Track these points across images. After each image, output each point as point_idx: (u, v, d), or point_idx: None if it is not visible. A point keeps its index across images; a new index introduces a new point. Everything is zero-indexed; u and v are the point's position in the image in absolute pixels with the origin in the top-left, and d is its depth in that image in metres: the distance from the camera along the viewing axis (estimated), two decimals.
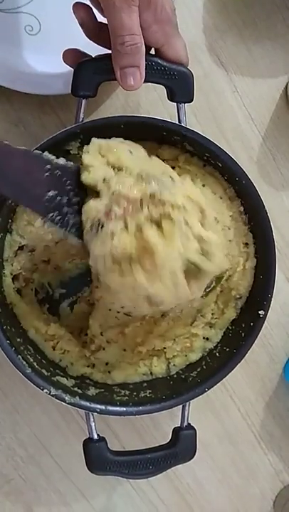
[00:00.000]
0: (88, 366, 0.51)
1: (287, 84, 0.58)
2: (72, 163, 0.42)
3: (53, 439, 0.57)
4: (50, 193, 0.41)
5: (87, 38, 0.52)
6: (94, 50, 0.48)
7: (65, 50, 0.47)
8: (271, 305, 0.50)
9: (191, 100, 0.47)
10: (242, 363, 0.50)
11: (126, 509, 0.59)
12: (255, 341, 0.50)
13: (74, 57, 0.46)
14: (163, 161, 0.48)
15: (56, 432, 0.57)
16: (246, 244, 0.51)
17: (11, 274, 0.49)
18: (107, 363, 0.52)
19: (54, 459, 0.57)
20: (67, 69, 0.51)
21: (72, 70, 0.51)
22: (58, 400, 0.46)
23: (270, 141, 0.58)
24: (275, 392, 0.61)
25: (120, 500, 0.59)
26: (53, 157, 0.41)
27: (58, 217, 0.41)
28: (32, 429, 0.57)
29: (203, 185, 0.50)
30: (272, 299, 0.50)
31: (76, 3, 0.45)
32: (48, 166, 0.41)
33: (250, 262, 0.51)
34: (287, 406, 0.61)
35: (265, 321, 0.50)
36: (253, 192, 0.48)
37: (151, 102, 0.55)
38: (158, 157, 0.48)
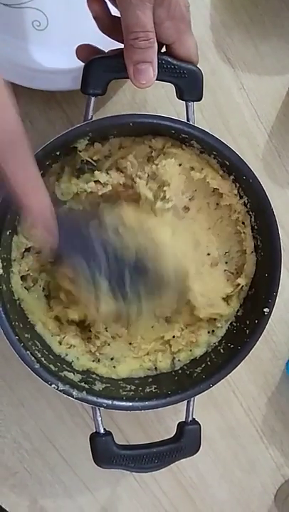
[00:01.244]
0: (93, 361, 0.52)
1: None
2: None
3: (57, 432, 0.58)
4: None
5: (95, 33, 0.52)
6: (104, 45, 0.48)
7: (78, 46, 0.47)
8: (275, 302, 0.51)
9: (200, 99, 0.47)
10: (245, 358, 0.50)
11: (129, 501, 0.60)
12: (260, 338, 0.50)
13: (87, 52, 0.46)
14: (155, 150, 0.49)
15: (61, 425, 0.58)
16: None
17: (19, 273, 0.49)
18: (112, 358, 0.53)
19: (59, 452, 0.58)
20: (75, 65, 0.51)
21: (81, 65, 0.51)
22: (65, 395, 0.47)
23: (276, 139, 0.59)
24: (277, 387, 0.61)
25: (124, 492, 0.60)
26: None
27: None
28: (37, 422, 0.57)
29: (192, 168, 0.50)
30: (277, 295, 0.50)
31: None
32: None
33: (250, 244, 0.52)
34: None
35: (278, 294, 0.50)
36: (259, 190, 0.48)
37: (158, 99, 0.55)
38: (150, 147, 0.49)
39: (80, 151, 0.47)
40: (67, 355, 0.51)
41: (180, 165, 0.49)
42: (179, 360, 0.53)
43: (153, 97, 0.55)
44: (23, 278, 0.50)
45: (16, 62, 0.51)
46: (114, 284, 0.44)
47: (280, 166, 0.59)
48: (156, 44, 0.43)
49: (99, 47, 0.48)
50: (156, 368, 0.53)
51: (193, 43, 0.45)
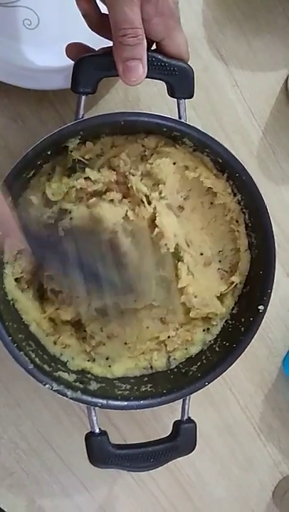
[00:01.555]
0: (88, 360, 0.52)
1: (287, 78, 0.58)
2: None
3: (54, 432, 0.58)
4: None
5: (86, 32, 0.52)
6: (94, 43, 0.47)
7: (68, 44, 0.46)
8: (271, 299, 0.50)
9: (192, 96, 0.46)
10: (241, 356, 0.50)
11: (127, 500, 0.60)
12: (255, 335, 0.50)
13: (77, 51, 0.46)
14: (148, 149, 0.49)
15: (58, 425, 0.57)
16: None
17: (13, 275, 0.49)
18: (107, 358, 0.52)
19: (56, 452, 0.58)
20: (66, 63, 0.51)
21: (72, 64, 0.51)
22: (60, 395, 0.47)
23: (270, 135, 0.58)
24: (274, 384, 0.61)
25: (121, 491, 0.60)
26: None
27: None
28: (34, 422, 0.57)
29: (186, 167, 0.50)
30: (272, 292, 0.50)
31: None
32: None
33: (244, 242, 0.52)
34: (286, 398, 0.62)
35: (265, 315, 0.50)
36: (253, 188, 0.48)
37: (151, 96, 0.55)
38: (143, 146, 0.49)
39: (71, 151, 0.47)
40: (62, 355, 0.51)
41: (174, 164, 0.49)
42: (174, 358, 0.53)
43: (146, 94, 0.55)
44: (17, 280, 0.49)
45: (7, 61, 0.51)
46: (89, 281, 0.45)
47: (275, 163, 0.59)
48: (145, 41, 0.42)
49: (90, 45, 0.48)
50: (151, 367, 0.53)
51: (183, 39, 0.45)
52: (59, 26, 0.52)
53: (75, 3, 0.51)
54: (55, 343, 0.51)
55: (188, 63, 0.46)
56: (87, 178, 0.49)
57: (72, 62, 0.49)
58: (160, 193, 0.49)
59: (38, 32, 0.52)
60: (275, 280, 0.51)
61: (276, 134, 0.58)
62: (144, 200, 0.48)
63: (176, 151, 0.49)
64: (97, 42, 0.47)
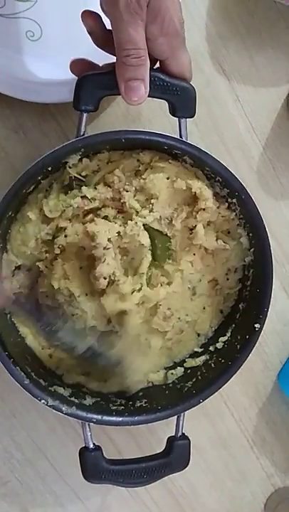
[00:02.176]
0: (83, 374, 0.52)
1: (288, 94, 0.58)
2: None
3: (49, 442, 0.58)
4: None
5: (90, 44, 0.52)
6: (98, 56, 0.47)
7: (73, 60, 0.46)
8: (267, 313, 0.50)
9: (193, 116, 0.47)
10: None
11: (120, 511, 0.60)
12: (262, 330, 0.50)
13: (81, 67, 0.46)
14: (142, 164, 0.49)
15: (52, 435, 0.58)
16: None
17: (11, 291, 0.49)
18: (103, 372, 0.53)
19: (50, 462, 0.58)
20: (69, 77, 0.51)
21: (75, 77, 0.50)
22: (55, 411, 0.47)
23: (271, 151, 0.58)
24: (268, 398, 0.62)
25: (114, 502, 0.60)
26: None
27: None
28: (29, 432, 0.57)
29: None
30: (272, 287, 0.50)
31: (85, 11, 0.44)
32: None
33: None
34: (280, 412, 0.62)
35: (268, 309, 0.50)
36: (252, 207, 0.48)
37: (153, 111, 0.55)
38: (138, 161, 0.49)
39: (70, 167, 0.47)
40: (57, 368, 0.51)
41: (168, 178, 0.49)
42: (172, 373, 0.53)
43: (147, 109, 0.55)
44: (14, 294, 0.49)
45: (9, 73, 0.51)
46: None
47: (274, 178, 0.59)
48: (148, 61, 0.42)
49: (93, 59, 0.48)
50: (147, 381, 0.53)
51: (187, 59, 0.45)
52: (62, 38, 0.52)
53: (78, 15, 0.51)
54: (50, 356, 0.51)
55: (191, 84, 0.46)
56: (84, 197, 0.48)
57: (75, 76, 0.50)
58: (151, 210, 0.49)
59: (40, 44, 0.52)
60: (272, 296, 0.51)
61: (276, 150, 0.58)
62: (134, 216, 0.48)
63: (170, 166, 0.49)
64: (101, 56, 0.47)
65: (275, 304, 0.60)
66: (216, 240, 0.51)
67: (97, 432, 0.54)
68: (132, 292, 0.48)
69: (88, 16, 0.44)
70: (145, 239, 0.48)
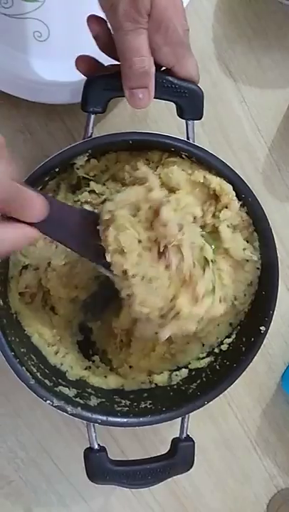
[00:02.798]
0: (86, 369, 0.52)
1: None
2: None
3: (53, 442, 0.58)
4: (100, 243, 0.43)
5: (96, 46, 0.52)
6: (105, 57, 0.47)
7: (78, 57, 0.46)
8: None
9: (201, 118, 0.46)
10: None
11: (123, 510, 0.60)
12: (267, 333, 0.50)
13: (87, 65, 0.46)
14: (152, 162, 0.48)
15: (57, 435, 0.58)
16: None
17: (17, 290, 0.49)
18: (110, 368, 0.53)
19: (54, 462, 0.58)
20: (76, 77, 0.51)
21: (82, 78, 0.50)
22: (60, 411, 0.47)
23: (276, 153, 0.58)
24: (272, 399, 0.62)
25: (118, 502, 0.60)
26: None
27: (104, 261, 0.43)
28: (33, 432, 0.57)
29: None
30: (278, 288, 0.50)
31: (90, 15, 0.44)
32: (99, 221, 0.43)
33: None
34: (284, 413, 0.62)
35: (274, 312, 0.50)
36: (259, 210, 0.48)
37: (159, 111, 0.55)
38: (147, 160, 0.49)
39: (77, 168, 0.47)
40: (62, 364, 0.51)
41: (183, 170, 0.48)
42: (176, 374, 0.53)
43: (154, 110, 0.55)
44: (21, 294, 0.50)
45: (16, 73, 0.51)
46: None
47: (280, 180, 0.59)
48: (152, 69, 0.42)
49: (100, 59, 0.48)
50: (150, 382, 0.53)
51: (193, 64, 0.45)
52: (69, 39, 0.52)
53: (85, 15, 0.51)
54: (56, 353, 0.51)
55: (199, 86, 0.46)
56: (91, 192, 0.49)
57: (82, 76, 0.50)
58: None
59: (48, 44, 0.52)
60: (277, 300, 0.51)
61: (282, 152, 0.59)
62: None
63: (181, 160, 0.48)
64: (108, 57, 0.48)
65: (279, 305, 0.60)
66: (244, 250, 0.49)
67: (102, 433, 0.54)
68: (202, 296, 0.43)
69: (93, 21, 0.44)
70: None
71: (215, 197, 0.48)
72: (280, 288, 0.59)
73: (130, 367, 0.53)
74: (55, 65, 0.52)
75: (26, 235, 0.36)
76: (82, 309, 0.53)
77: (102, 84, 0.44)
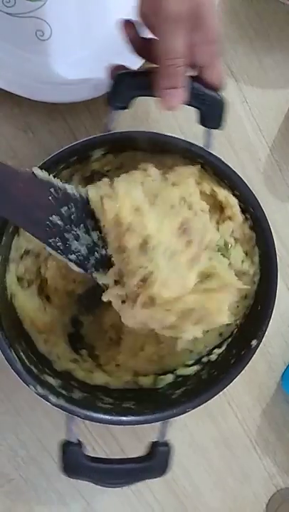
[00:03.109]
0: (73, 361, 0.52)
1: None
2: (79, 192, 0.42)
3: (53, 440, 0.58)
4: (52, 218, 0.40)
5: (99, 44, 0.52)
6: (106, 57, 0.48)
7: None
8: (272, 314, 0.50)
9: (219, 127, 0.47)
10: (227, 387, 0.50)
11: (123, 509, 0.60)
12: (258, 347, 0.49)
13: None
14: (164, 167, 0.48)
15: (57, 433, 0.58)
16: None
17: (16, 273, 0.49)
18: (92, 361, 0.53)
19: (54, 460, 0.58)
20: (77, 77, 0.51)
21: (82, 78, 0.51)
22: (44, 400, 0.47)
23: (278, 153, 0.59)
24: (272, 399, 0.62)
25: (117, 500, 0.60)
26: (59, 182, 0.41)
27: (59, 243, 0.41)
28: (33, 431, 0.58)
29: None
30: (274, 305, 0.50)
31: (123, 20, 0.45)
32: (52, 190, 0.39)
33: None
34: (284, 413, 0.62)
35: (268, 327, 0.50)
36: (265, 225, 0.47)
37: (160, 112, 0.55)
38: (160, 163, 0.48)
39: (93, 161, 0.47)
40: (50, 353, 0.51)
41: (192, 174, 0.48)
42: (162, 379, 0.53)
43: (155, 109, 0.55)
44: (18, 279, 0.49)
45: (18, 72, 0.51)
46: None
47: (281, 180, 0.59)
48: (186, 71, 0.42)
49: (102, 59, 0.48)
50: (136, 382, 0.53)
51: (221, 67, 0.45)
52: (71, 38, 0.52)
53: (88, 15, 0.52)
54: (45, 341, 0.51)
55: (223, 97, 0.46)
56: None
57: (82, 75, 0.51)
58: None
59: (50, 43, 0.52)
60: (276, 297, 0.51)
61: (283, 151, 0.59)
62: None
63: (193, 169, 0.49)
64: (112, 55, 0.48)
65: (279, 304, 0.60)
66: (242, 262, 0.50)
67: (84, 430, 0.55)
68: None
69: (127, 26, 0.45)
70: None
71: (220, 208, 0.49)
72: (279, 287, 0.59)
73: (117, 365, 0.53)
74: (56, 64, 0.52)
75: None
76: (77, 303, 0.53)
77: (131, 81, 0.44)
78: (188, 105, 0.46)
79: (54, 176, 0.43)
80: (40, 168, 0.41)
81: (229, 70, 0.57)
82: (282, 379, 0.62)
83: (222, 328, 0.53)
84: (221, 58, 0.45)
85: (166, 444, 0.49)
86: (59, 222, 0.40)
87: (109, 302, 0.49)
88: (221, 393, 0.56)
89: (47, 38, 0.52)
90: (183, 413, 0.49)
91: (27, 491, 0.58)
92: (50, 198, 0.39)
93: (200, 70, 0.45)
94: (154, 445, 0.49)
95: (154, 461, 0.48)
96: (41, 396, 0.47)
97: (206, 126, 0.47)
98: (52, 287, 0.51)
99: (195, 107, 0.46)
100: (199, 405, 0.49)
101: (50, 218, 0.39)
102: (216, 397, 0.51)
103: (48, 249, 0.41)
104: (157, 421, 0.49)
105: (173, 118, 0.55)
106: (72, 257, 0.42)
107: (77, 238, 0.41)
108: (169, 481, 0.61)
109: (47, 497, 0.59)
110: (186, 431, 0.60)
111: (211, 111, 0.46)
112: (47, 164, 0.44)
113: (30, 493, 0.58)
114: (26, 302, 0.50)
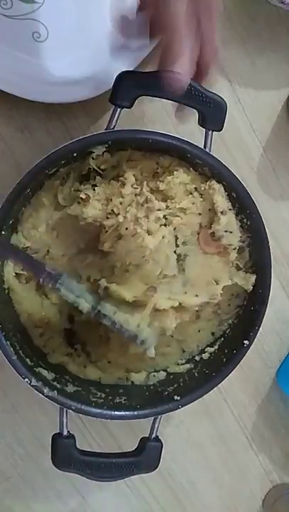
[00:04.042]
0: (67, 355, 0.52)
1: (288, 96, 0.59)
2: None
3: (50, 438, 0.58)
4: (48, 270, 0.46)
5: (95, 47, 0.53)
6: (103, 59, 0.49)
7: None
8: (266, 311, 0.51)
9: (220, 130, 0.48)
10: (236, 367, 0.51)
11: (120, 506, 0.61)
12: (250, 347, 0.51)
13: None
14: (161, 167, 0.50)
15: (54, 431, 0.58)
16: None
17: (14, 269, 0.49)
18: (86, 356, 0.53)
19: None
20: (74, 78, 0.52)
21: (79, 79, 0.51)
22: (36, 391, 0.47)
23: (271, 152, 0.60)
24: (267, 395, 0.63)
25: (115, 497, 0.61)
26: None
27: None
28: (31, 428, 0.58)
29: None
30: (268, 305, 0.51)
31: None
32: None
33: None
34: (279, 409, 0.63)
35: (260, 327, 0.51)
36: (260, 227, 0.49)
37: (156, 111, 0.56)
38: (157, 164, 0.50)
39: (93, 158, 0.48)
40: (45, 346, 0.51)
41: (185, 184, 0.50)
42: (154, 375, 0.53)
43: (150, 110, 0.56)
44: (17, 274, 0.50)
45: (15, 73, 0.51)
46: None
47: (274, 179, 0.60)
48: (190, 49, 0.42)
49: (98, 61, 0.49)
50: (127, 379, 0.53)
51: (217, 46, 0.44)
52: (68, 40, 0.52)
53: (85, 17, 0.52)
54: (41, 335, 0.52)
55: (224, 99, 0.48)
56: (94, 186, 0.49)
57: (80, 76, 0.51)
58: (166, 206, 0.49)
59: (46, 45, 0.52)
60: (271, 294, 0.51)
61: (276, 151, 0.60)
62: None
63: (188, 172, 0.50)
64: (107, 58, 0.49)
65: (274, 302, 0.61)
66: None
67: (77, 422, 0.55)
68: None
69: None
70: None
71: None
72: (274, 285, 0.60)
73: (109, 362, 0.53)
74: (53, 66, 0.52)
75: None
76: None
77: (134, 80, 0.45)
78: (190, 106, 0.46)
79: (52, 174, 0.46)
80: (44, 161, 0.44)
81: (223, 71, 0.58)
82: (277, 376, 0.62)
83: (214, 328, 0.54)
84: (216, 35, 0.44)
85: (156, 440, 0.49)
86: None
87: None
88: (216, 390, 0.57)
89: (44, 39, 0.53)
90: (175, 409, 0.49)
91: (25, 488, 0.59)
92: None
93: (200, 49, 0.44)
94: (144, 440, 0.49)
95: (144, 457, 0.49)
96: (34, 387, 0.47)
97: (205, 128, 0.47)
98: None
99: (196, 108, 0.46)
100: (191, 402, 0.50)
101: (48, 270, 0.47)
102: (211, 394, 0.52)
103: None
104: (148, 416, 0.49)
105: (168, 118, 0.55)
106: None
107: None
108: (166, 477, 0.61)
109: (45, 494, 0.59)
110: (183, 427, 0.61)
111: (212, 113, 0.47)
112: (50, 160, 0.45)
113: (28, 490, 0.59)
114: (24, 297, 0.51)
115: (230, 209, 0.50)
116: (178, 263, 0.50)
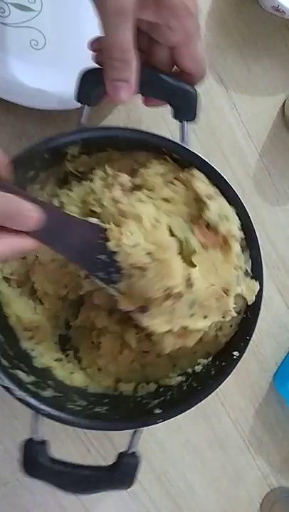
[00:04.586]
0: (56, 360, 0.51)
1: (284, 102, 0.59)
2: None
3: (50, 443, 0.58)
4: (100, 256, 0.44)
5: (91, 53, 0.53)
6: None
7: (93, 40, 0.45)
8: (263, 315, 0.50)
9: (193, 119, 0.46)
10: (233, 371, 0.49)
11: (118, 510, 0.61)
12: (247, 350, 0.49)
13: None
14: (139, 163, 0.48)
15: (53, 436, 0.58)
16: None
17: (2, 273, 0.49)
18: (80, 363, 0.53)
19: None
20: (71, 85, 0.52)
21: (73, 87, 0.51)
22: (8, 393, 0.46)
23: (266, 158, 0.60)
24: (264, 399, 0.63)
25: (113, 501, 0.61)
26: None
27: (104, 275, 0.44)
28: (29, 433, 0.58)
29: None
30: (264, 309, 0.50)
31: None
32: (101, 235, 0.44)
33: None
34: (276, 413, 0.63)
35: (257, 331, 0.49)
36: (247, 221, 0.47)
37: (153, 118, 0.56)
38: (135, 161, 0.49)
39: (68, 159, 0.47)
40: (33, 350, 0.50)
41: (162, 175, 0.48)
42: (142, 386, 0.52)
43: (147, 116, 0.56)
44: (6, 279, 0.49)
45: (13, 81, 0.52)
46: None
47: (270, 185, 0.61)
48: (134, 63, 0.42)
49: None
50: (116, 389, 0.52)
51: (202, 48, 0.43)
52: (66, 47, 0.53)
53: (82, 24, 0.53)
54: (30, 338, 0.51)
55: (194, 87, 0.46)
56: (70, 189, 0.49)
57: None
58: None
59: (44, 52, 0.53)
60: (267, 297, 0.52)
61: (272, 156, 0.60)
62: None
63: (165, 163, 0.48)
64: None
65: (270, 306, 0.62)
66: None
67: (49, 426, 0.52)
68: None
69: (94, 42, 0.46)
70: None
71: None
72: (270, 289, 0.61)
73: (99, 369, 0.52)
74: (51, 73, 0.53)
75: (18, 245, 0.38)
76: (70, 306, 0.53)
77: (97, 76, 0.44)
78: (159, 98, 0.46)
79: (32, 179, 0.46)
80: (15, 159, 0.43)
81: (219, 77, 0.58)
82: (274, 379, 0.63)
83: (211, 349, 0.51)
84: (200, 39, 0.43)
85: (133, 456, 0.46)
86: (106, 259, 0.44)
87: (92, 306, 0.50)
88: (214, 394, 0.57)
89: (41, 47, 0.53)
90: (155, 423, 0.46)
91: (23, 494, 0.59)
92: (100, 241, 0.44)
93: (176, 52, 0.43)
94: (121, 455, 0.46)
95: (118, 472, 0.45)
96: (5, 389, 0.45)
97: (179, 120, 0.46)
98: (41, 291, 0.52)
99: (166, 100, 0.45)
100: (172, 417, 0.47)
101: (100, 256, 0.44)
102: (209, 398, 0.52)
103: (94, 278, 0.45)
104: (126, 429, 0.46)
105: (165, 124, 0.56)
106: (113, 286, 0.45)
107: (118, 271, 0.44)
108: (164, 482, 0.62)
109: (43, 499, 0.59)
110: (180, 432, 0.61)
111: (182, 103, 0.45)
112: (19, 158, 0.44)
113: (26, 496, 0.59)
114: (13, 301, 0.50)
115: (218, 195, 0.47)
116: (183, 262, 0.46)
